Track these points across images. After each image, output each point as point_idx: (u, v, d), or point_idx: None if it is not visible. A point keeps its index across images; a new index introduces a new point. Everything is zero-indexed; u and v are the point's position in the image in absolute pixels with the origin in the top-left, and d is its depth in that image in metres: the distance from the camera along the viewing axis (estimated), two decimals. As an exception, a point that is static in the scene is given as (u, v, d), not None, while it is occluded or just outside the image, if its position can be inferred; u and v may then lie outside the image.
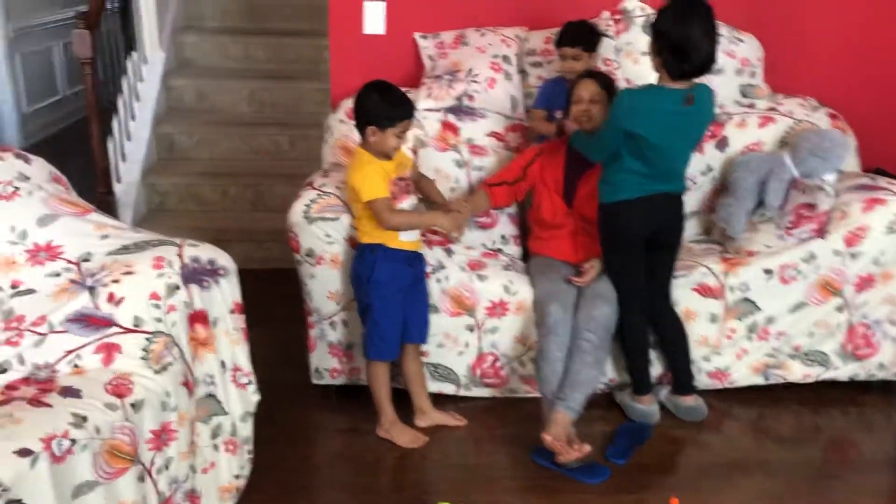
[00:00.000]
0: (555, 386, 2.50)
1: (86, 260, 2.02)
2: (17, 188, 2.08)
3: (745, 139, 3.09)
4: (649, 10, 3.12)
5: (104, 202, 3.56)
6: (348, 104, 3.10)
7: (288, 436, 2.60)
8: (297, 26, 4.99)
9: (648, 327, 2.68)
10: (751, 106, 3.17)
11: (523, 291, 2.68)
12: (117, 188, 3.83)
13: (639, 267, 2.63)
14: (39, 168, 2.21)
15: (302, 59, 4.79)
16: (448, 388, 2.79)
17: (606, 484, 2.42)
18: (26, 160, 2.18)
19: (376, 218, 2.44)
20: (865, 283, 2.74)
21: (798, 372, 2.86)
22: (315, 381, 2.80)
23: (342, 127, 3.07)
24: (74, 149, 4.27)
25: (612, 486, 2.41)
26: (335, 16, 3.26)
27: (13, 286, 1.98)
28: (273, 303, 3.24)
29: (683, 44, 2.37)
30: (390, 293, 2.51)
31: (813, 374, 2.87)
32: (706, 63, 2.44)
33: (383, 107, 2.42)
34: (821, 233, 2.73)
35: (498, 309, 2.68)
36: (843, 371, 2.87)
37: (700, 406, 2.72)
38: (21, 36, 5.22)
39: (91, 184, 3.52)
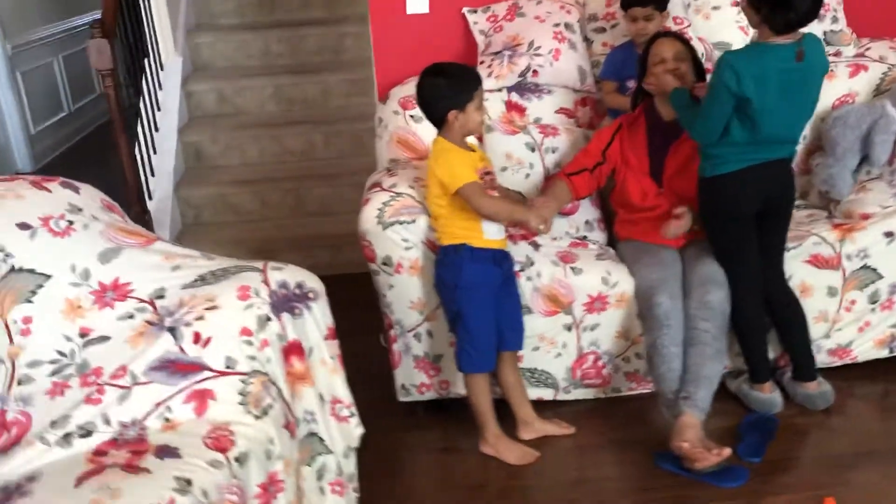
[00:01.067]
0: (675, 384, 2.26)
1: (160, 297, 1.78)
2: (70, 222, 1.83)
3: (837, 91, 2.84)
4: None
5: (141, 222, 3.30)
6: (400, 93, 2.85)
7: (386, 464, 2.37)
8: (313, 15, 4.72)
9: (764, 308, 2.44)
10: (836, 54, 2.90)
11: (623, 282, 2.44)
12: (150, 205, 3.58)
13: (751, 244, 2.37)
14: (90, 196, 1.97)
15: (324, 50, 4.52)
16: (546, 394, 2.56)
17: (745, 487, 2.18)
18: (74, 189, 1.93)
19: (470, 204, 2.21)
20: None
21: (926, 341, 2.62)
22: (402, 398, 2.57)
23: (397, 119, 2.81)
24: (88, 166, 4.02)
25: (752, 488, 2.18)
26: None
27: (83, 334, 1.74)
28: (334, 315, 3.00)
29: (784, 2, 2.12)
30: (482, 297, 2.27)
31: (942, 341, 2.63)
32: (813, 9, 2.18)
33: (453, 86, 2.21)
34: (941, 187, 2.48)
35: (597, 303, 2.44)
36: (973, 335, 2.63)
37: (825, 392, 2.48)
38: (19, 53, 4.95)
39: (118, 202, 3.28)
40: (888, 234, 2.48)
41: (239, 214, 3.86)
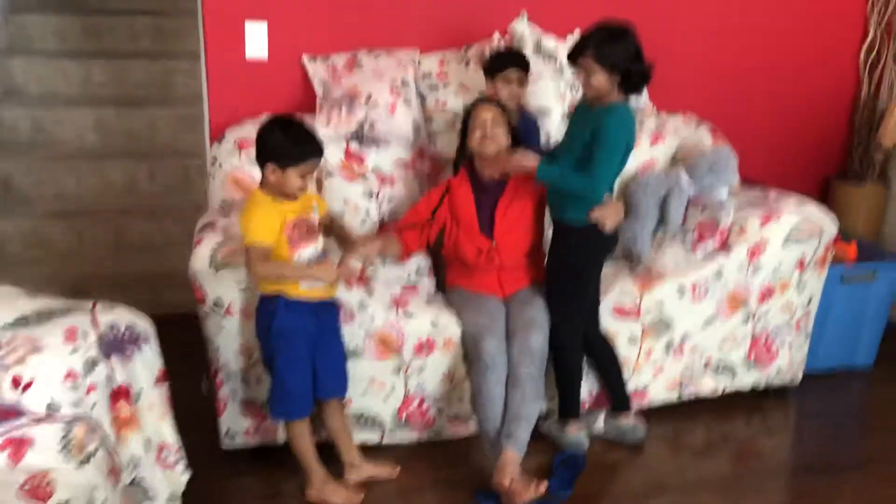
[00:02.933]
0: (498, 424, 2.41)
1: (-25, 338, 1.68)
2: None
3: (640, 159, 3.15)
4: (538, 34, 3.11)
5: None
6: (237, 134, 2.86)
7: (209, 511, 2.32)
8: (139, 47, 4.57)
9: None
10: (639, 124, 3.24)
11: (450, 327, 2.57)
12: (-53, 237, 3.31)
13: (588, 288, 2.60)
14: None
15: (150, 84, 4.39)
16: (373, 437, 2.62)
17: (557, 521, 2.36)
18: None
19: (246, 264, 2.21)
20: (767, 294, 2.87)
21: (708, 386, 2.95)
22: (226, 445, 2.53)
23: (231, 159, 2.81)
24: None
25: (562, 522, 2.35)
26: (212, 39, 2.98)
27: None
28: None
29: (641, 68, 2.43)
30: (294, 346, 2.27)
31: (720, 386, 2.97)
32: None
33: (285, 144, 2.18)
34: (723, 247, 2.83)
35: (425, 348, 2.55)
36: (746, 380, 2.99)
37: (640, 423, 2.74)
38: None
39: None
40: (680, 290, 2.78)
41: (51, 250, 3.64)
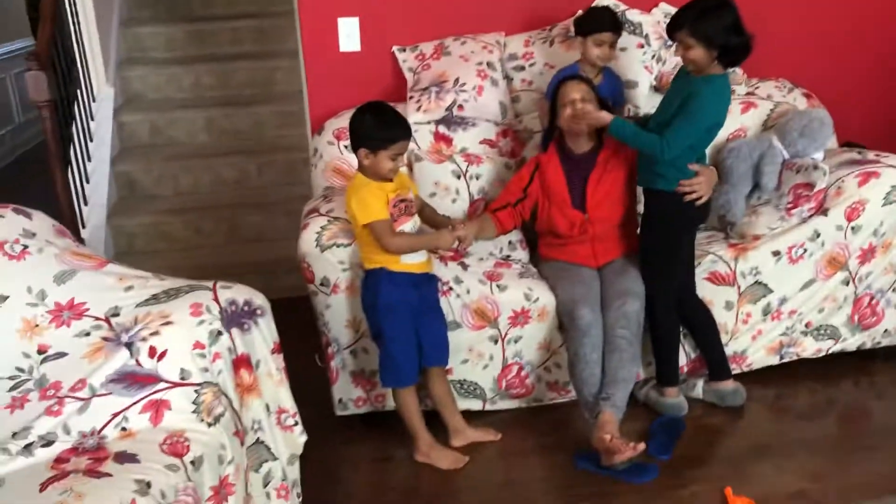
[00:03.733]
0: (595, 388, 2.48)
1: (115, 315, 1.90)
2: (25, 246, 1.94)
3: (730, 126, 3.13)
4: (622, 7, 3.13)
5: (76, 250, 3.36)
6: (334, 125, 3.03)
7: (326, 473, 2.50)
8: (242, 49, 4.84)
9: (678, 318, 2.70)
10: (731, 92, 3.21)
11: (543, 297, 2.65)
12: (83, 234, 3.63)
13: (680, 256, 2.64)
14: (42, 222, 2.07)
15: (254, 83, 4.66)
16: (475, 405, 2.74)
17: (656, 481, 2.41)
18: (27, 215, 2.04)
19: (377, 241, 2.37)
20: (867, 254, 2.82)
21: (811, 347, 2.92)
22: (339, 412, 2.71)
23: (331, 149, 2.99)
24: (13, 198, 4.03)
25: (661, 483, 2.41)
26: (308, 35, 3.16)
27: (40, 351, 1.84)
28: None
29: (739, 41, 2.42)
30: (398, 318, 2.42)
31: (824, 347, 2.93)
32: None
33: (376, 129, 2.34)
34: (820, 210, 2.80)
35: (521, 317, 2.64)
36: (851, 342, 2.95)
37: (740, 388, 2.76)
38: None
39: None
40: (776, 253, 2.77)
41: (172, 242, 3.94)
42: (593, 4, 3.12)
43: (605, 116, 2.58)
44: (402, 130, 2.36)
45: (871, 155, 2.94)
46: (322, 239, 2.51)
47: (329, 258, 2.51)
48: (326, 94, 3.21)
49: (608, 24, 2.84)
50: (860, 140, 3.42)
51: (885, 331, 2.95)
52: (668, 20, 2.52)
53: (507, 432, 2.67)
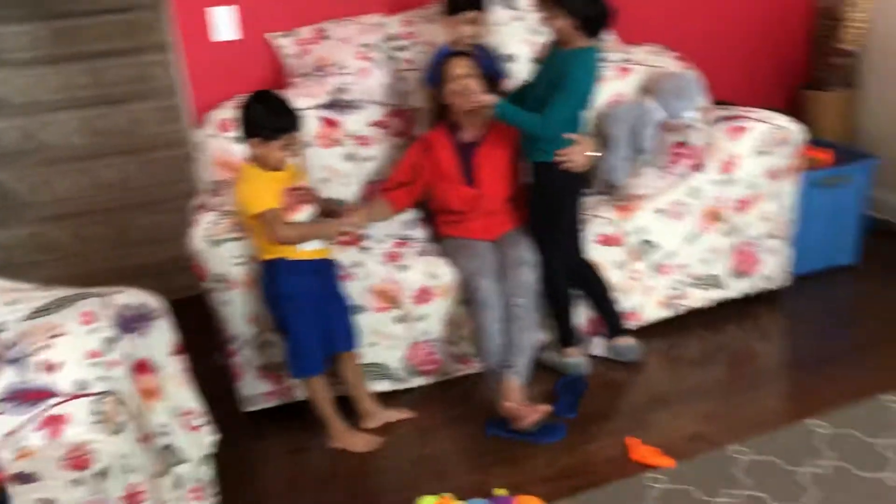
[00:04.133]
0: (499, 357, 2.55)
1: (0, 331, 1.81)
2: None
3: (609, 92, 3.24)
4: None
5: (-52, 268, 3.17)
6: (217, 117, 2.96)
7: (241, 471, 2.47)
8: (113, 45, 4.62)
9: (571, 281, 2.79)
10: (606, 59, 3.32)
11: (445, 274, 2.69)
12: (-46, 251, 3.43)
13: (566, 222, 2.72)
14: None
15: (127, 80, 4.46)
16: (386, 386, 2.76)
17: (564, 439, 2.50)
18: None
19: (266, 231, 2.33)
20: (743, 205, 2.99)
21: (698, 298, 3.08)
22: (247, 408, 2.68)
23: (215, 142, 2.92)
24: None
25: (569, 440, 2.50)
26: (182, 27, 3.07)
27: (-80, 378, 1.74)
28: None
29: (603, 10, 2.50)
30: (301, 306, 2.41)
31: (710, 297, 3.10)
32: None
33: (266, 118, 2.31)
34: (697, 166, 2.94)
35: (424, 295, 2.67)
36: (734, 289, 3.12)
37: (637, 343, 2.89)
38: None
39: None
40: (659, 211, 2.90)
41: (54, 252, 3.76)
42: None
43: (488, 99, 2.64)
44: (293, 119, 2.34)
45: (739, 111, 3.10)
46: (213, 234, 2.46)
47: (222, 253, 2.46)
48: (206, 86, 3.13)
49: (472, 1, 2.87)
50: (729, 97, 3.61)
51: (764, 276, 3.14)
52: None
53: (420, 409, 2.71)
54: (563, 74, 2.53)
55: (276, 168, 2.35)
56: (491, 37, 3.10)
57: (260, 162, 2.33)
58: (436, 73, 2.86)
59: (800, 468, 2.27)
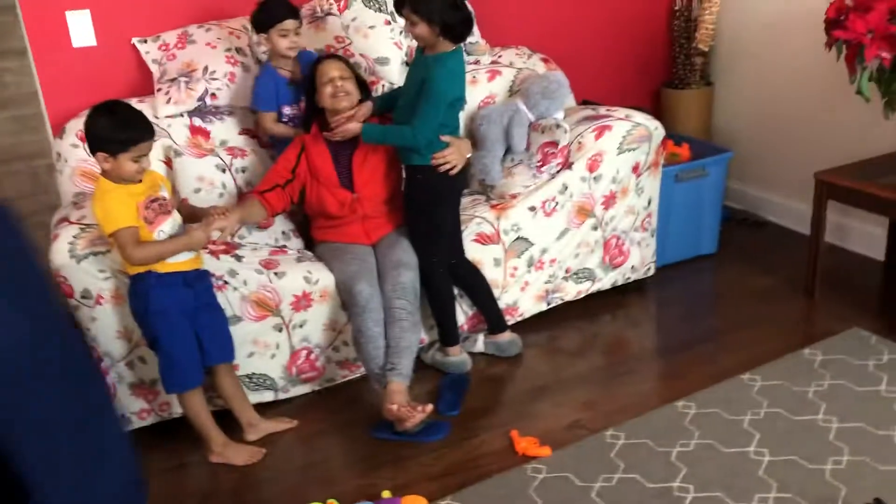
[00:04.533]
0: (381, 360, 2.55)
1: None
2: None
3: (480, 94, 3.32)
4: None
5: None
6: (77, 126, 2.83)
7: (115, 493, 2.37)
8: (-40, 52, 4.35)
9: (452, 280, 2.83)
10: (476, 62, 3.40)
11: (323, 279, 2.67)
12: None
13: (446, 222, 2.76)
14: None
15: (-22, 88, 4.20)
16: (267, 396, 2.72)
17: (449, 437, 2.54)
18: None
19: (121, 253, 2.23)
20: (610, 200, 3.12)
21: (572, 291, 3.19)
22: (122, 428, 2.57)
23: (76, 152, 2.80)
24: None
25: (454, 437, 2.54)
26: (34, 32, 2.93)
27: None
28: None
29: (463, 16, 2.54)
30: (173, 320, 2.33)
31: (584, 289, 3.22)
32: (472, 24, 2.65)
33: (112, 131, 2.18)
34: (566, 165, 3.05)
35: (303, 301, 2.65)
36: (605, 280, 3.26)
37: (516, 338, 2.96)
38: None
39: None
40: (532, 209, 2.99)
41: None
42: None
43: (354, 128, 2.66)
44: (141, 130, 2.21)
45: (602, 110, 3.24)
46: (76, 249, 2.36)
47: (87, 268, 2.36)
48: (64, 94, 3.00)
49: (286, 11, 2.75)
50: (595, 97, 3.77)
51: (632, 267, 3.29)
52: None
53: (303, 417, 2.68)
54: (427, 82, 2.55)
55: (131, 181, 2.25)
56: (364, 39, 3.11)
57: (113, 176, 2.22)
58: (269, 97, 2.84)
59: (671, 448, 2.40)
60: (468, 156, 2.77)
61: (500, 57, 3.46)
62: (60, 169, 2.82)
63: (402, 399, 2.49)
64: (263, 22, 2.78)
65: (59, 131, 2.91)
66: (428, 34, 2.54)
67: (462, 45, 2.65)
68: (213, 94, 2.91)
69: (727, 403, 2.59)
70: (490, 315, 2.96)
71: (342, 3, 3.19)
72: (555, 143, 3.05)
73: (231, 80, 2.95)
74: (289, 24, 2.77)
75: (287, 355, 2.70)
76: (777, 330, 3.02)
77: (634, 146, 3.09)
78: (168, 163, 2.79)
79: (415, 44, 3.18)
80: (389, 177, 2.84)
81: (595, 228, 3.13)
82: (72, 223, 2.43)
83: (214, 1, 3.14)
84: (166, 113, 2.83)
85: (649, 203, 3.23)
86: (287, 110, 2.88)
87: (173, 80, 2.91)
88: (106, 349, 2.48)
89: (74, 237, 2.38)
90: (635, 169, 3.12)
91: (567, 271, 3.14)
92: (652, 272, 3.38)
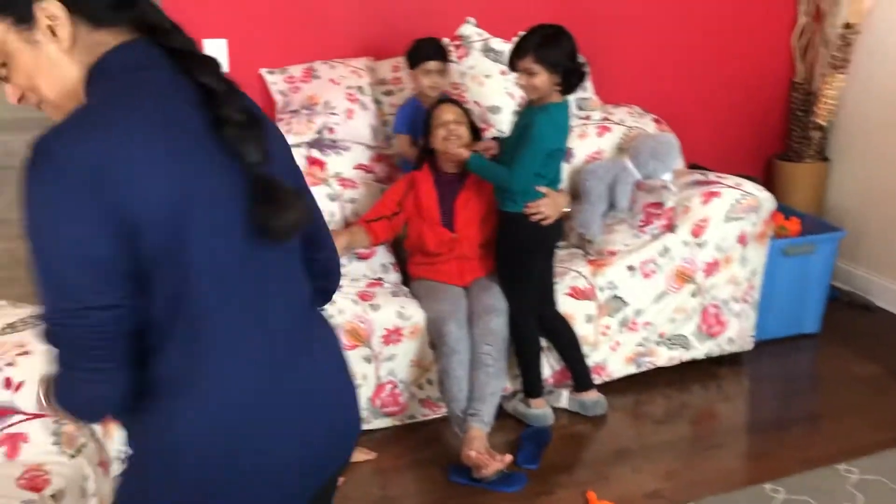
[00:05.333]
0: (463, 403, 2.56)
1: (-31, 345, 1.81)
2: None
3: (588, 149, 3.33)
4: (486, 35, 3.28)
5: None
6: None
7: None
8: None
9: (540, 332, 2.82)
10: (587, 118, 3.42)
11: (416, 315, 2.72)
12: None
13: (536, 273, 2.77)
14: None
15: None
16: (349, 424, 2.76)
17: (525, 489, 2.51)
18: None
19: None
20: (712, 268, 3.05)
21: (664, 356, 3.12)
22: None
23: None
24: None
25: (530, 490, 2.51)
26: (174, 57, 3.11)
27: None
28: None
29: (576, 68, 2.59)
30: None
31: (676, 356, 3.14)
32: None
33: None
34: (670, 227, 3.01)
35: (393, 336, 2.69)
36: (700, 350, 3.17)
37: (602, 399, 2.91)
38: None
39: None
40: (630, 268, 2.96)
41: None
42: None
43: (464, 153, 2.74)
44: None
45: (712, 176, 3.19)
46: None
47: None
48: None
49: (432, 53, 2.96)
50: (704, 162, 3.71)
51: (730, 338, 3.19)
52: None
53: (382, 450, 2.71)
54: (529, 128, 2.60)
55: None
56: (479, 87, 3.19)
57: None
58: (409, 121, 2.97)
59: (754, 531, 2.30)
60: (565, 210, 2.79)
61: (611, 114, 3.47)
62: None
63: (480, 446, 2.48)
64: (412, 59, 2.97)
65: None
66: (547, 84, 2.57)
67: (570, 98, 2.68)
68: (330, 129, 3.03)
69: (818, 493, 2.47)
70: (577, 371, 2.92)
71: (461, 52, 3.29)
72: (660, 205, 3.02)
73: (349, 116, 3.06)
74: (432, 64, 2.95)
75: (373, 387, 2.74)
76: (879, 422, 2.87)
77: (742, 216, 3.03)
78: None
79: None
80: (488, 221, 2.88)
81: (694, 295, 3.07)
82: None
83: (342, 41, 3.28)
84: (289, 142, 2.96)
85: (753, 275, 3.15)
86: (420, 140, 2.99)
87: (295, 111, 3.05)
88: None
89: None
90: (741, 239, 3.05)
91: (661, 335, 3.08)
92: (750, 346, 3.27)
